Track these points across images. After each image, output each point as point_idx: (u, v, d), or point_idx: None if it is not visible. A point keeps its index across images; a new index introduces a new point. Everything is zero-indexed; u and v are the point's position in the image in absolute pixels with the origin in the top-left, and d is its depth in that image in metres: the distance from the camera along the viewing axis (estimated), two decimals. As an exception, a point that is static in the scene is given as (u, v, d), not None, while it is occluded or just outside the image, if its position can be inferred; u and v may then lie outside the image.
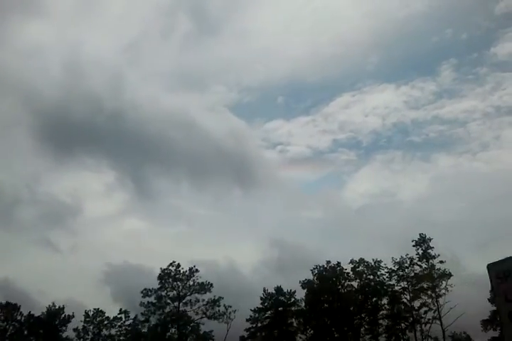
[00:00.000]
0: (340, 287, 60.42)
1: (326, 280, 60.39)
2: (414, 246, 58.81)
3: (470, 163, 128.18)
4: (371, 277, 60.17)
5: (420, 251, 58.69)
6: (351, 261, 60.66)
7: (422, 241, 59.01)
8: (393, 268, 59.31)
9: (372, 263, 60.53)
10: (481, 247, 79.52)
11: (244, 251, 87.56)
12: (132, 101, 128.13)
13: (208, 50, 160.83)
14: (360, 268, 60.60)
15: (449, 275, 56.34)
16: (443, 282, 56.52)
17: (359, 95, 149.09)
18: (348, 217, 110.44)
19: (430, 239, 58.95)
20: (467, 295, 55.28)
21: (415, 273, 58.44)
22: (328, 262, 61.50)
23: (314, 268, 61.65)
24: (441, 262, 57.54)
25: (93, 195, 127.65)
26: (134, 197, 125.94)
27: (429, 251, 58.47)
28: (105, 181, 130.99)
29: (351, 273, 60.61)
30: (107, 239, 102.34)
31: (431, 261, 57.99)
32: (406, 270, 58.85)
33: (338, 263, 61.31)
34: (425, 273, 57.53)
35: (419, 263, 58.45)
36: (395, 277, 59.11)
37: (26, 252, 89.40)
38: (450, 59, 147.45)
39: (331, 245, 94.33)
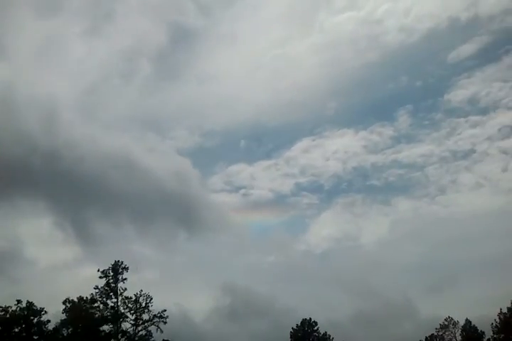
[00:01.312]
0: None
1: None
2: None
3: (429, 207, 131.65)
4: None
5: None
6: None
7: None
8: None
9: None
10: (437, 290, 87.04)
11: (195, 297, 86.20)
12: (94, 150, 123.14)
13: (169, 93, 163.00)
14: None
15: None
16: None
17: (319, 140, 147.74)
18: (306, 261, 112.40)
19: None
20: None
21: None
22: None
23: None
24: None
25: (31, 241, 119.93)
26: (74, 242, 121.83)
27: None
28: (43, 225, 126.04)
29: None
30: (48, 287, 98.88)
31: None
32: None
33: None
34: None
35: None
36: None
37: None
38: (406, 105, 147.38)
39: (285, 290, 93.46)
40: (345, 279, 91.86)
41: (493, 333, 63.63)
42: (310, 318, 65.16)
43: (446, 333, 65.94)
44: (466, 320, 65.63)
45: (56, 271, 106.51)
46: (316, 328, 64.96)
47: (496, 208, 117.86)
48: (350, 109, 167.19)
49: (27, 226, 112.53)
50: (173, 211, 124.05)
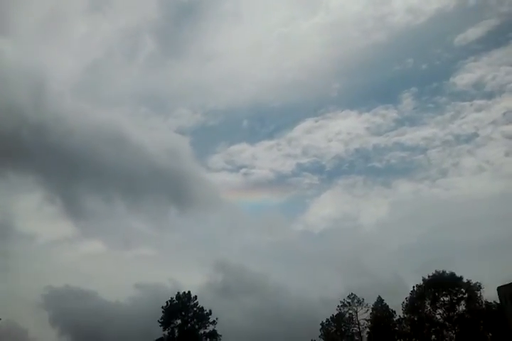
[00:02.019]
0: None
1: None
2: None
3: (429, 190, 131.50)
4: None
5: None
6: None
7: None
8: None
9: None
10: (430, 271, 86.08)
11: (189, 273, 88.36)
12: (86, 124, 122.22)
13: (173, 72, 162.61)
14: None
15: None
16: None
17: (322, 121, 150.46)
18: (303, 241, 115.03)
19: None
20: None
21: None
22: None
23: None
24: None
25: (22, 214, 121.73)
26: (66, 217, 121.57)
27: None
28: (34, 199, 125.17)
29: None
30: (43, 261, 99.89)
31: None
32: None
33: None
34: None
35: None
36: None
37: None
38: (411, 88, 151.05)
39: (279, 269, 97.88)
40: (341, 259, 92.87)
41: (404, 313, 64.27)
42: (188, 291, 62.23)
43: (350, 311, 65.49)
44: (378, 298, 66.08)
45: (49, 245, 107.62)
46: (195, 302, 62.07)
47: (497, 192, 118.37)
48: (354, 91, 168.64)
49: (17, 201, 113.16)
50: (166, 188, 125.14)
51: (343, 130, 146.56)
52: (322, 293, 78.07)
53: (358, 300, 65.31)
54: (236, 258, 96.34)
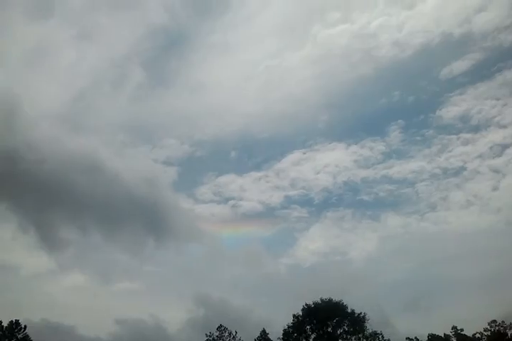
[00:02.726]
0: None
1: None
2: None
3: (418, 223, 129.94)
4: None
5: None
6: None
7: None
8: None
9: None
10: (418, 308, 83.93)
11: (170, 307, 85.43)
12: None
13: (160, 102, 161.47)
14: None
15: None
16: None
17: (310, 153, 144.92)
18: (288, 274, 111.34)
19: None
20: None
21: None
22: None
23: None
24: None
25: None
26: (41, 247, 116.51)
27: None
28: (7, 229, 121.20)
29: None
30: (19, 294, 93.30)
31: None
32: None
33: None
34: None
35: None
36: None
37: None
38: (398, 120, 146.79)
39: (262, 303, 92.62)
40: (327, 293, 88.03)
41: None
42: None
43: None
44: (262, 331, 62.37)
45: (26, 278, 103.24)
46: None
47: (485, 227, 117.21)
48: (342, 123, 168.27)
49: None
50: (143, 219, 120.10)
51: (331, 162, 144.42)
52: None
53: (230, 333, 61.14)
54: (218, 292, 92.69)
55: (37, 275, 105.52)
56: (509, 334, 63.11)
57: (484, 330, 63.94)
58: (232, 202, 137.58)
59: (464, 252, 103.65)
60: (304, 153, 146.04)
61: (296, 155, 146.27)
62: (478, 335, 64.06)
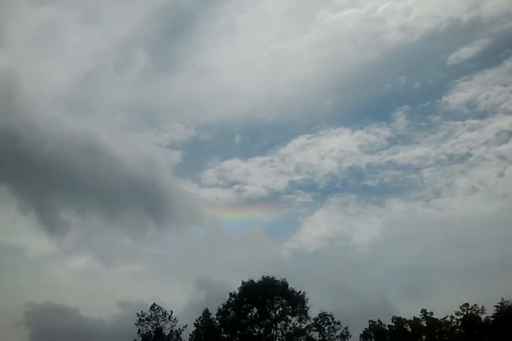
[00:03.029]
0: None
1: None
2: None
3: (423, 209, 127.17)
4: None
5: None
6: None
7: None
8: None
9: None
10: (421, 293, 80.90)
11: (172, 290, 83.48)
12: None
13: (165, 85, 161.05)
14: None
15: None
16: None
17: (315, 138, 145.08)
18: (290, 259, 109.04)
19: None
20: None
21: None
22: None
23: None
24: None
25: None
26: (41, 229, 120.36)
27: None
28: (7, 211, 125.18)
29: None
30: (23, 276, 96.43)
31: None
32: None
33: None
34: None
35: None
36: None
37: None
38: (404, 106, 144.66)
39: None
40: (330, 279, 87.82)
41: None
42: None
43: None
44: (205, 310, 59.17)
45: (30, 260, 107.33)
46: None
47: (490, 213, 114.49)
48: (347, 108, 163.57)
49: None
50: (145, 202, 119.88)
51: (336, 147, 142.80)
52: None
53: (165, 313, 57.89)
54: (220, 275, 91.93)
55: (39, 257, 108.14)
56: (482, 319, 58.04)
57: (456, 314, 59.11)
58: (236, 186, 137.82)
59: (469, 238, 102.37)
60: (309, 138, 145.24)
61: (301, 140, 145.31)
62: (448, 319, 59.31)
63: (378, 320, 60.75)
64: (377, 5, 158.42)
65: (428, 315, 59.58)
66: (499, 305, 56.65)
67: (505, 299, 56.28)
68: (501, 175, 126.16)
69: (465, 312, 58.38)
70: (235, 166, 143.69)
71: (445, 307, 69.50)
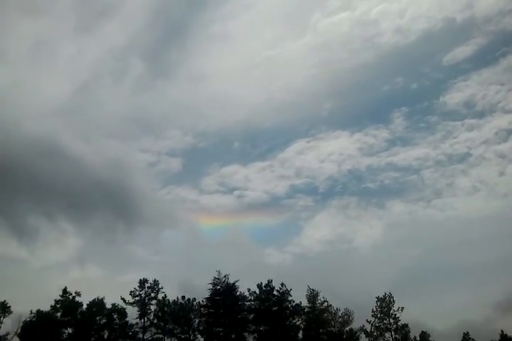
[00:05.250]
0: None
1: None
2: None
3: (424, 210, 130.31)
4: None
5: None
6: None
7: None
8: None
9: None
10: (424, 295, 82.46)
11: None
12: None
13: (162, 93, 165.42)
14: None
15: None
16: None
17: (314, 141, 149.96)
18: (292, 263, 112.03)
19: None
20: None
21: None
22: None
23: None
24: None
25: None
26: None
27: None
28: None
29: None
30: None
31: None
32: None
33: None
34: None
35: None
36: None
37: None
38: (401, 107, 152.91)
39: None
40: (332, 281, 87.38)
41: None
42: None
43: None
44: None
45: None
46: None
47: (492, 212, 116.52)
48: (345, 111, 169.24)
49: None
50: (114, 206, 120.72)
51: (335, 151, 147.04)
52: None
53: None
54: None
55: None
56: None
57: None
58: (237, 192, 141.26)
59: (471, 238, 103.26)
60: (308, 142, 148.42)
61: (300, 144, 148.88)
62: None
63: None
64: (371, 7, 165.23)
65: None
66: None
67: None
68: (502, 173, 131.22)
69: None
70: (235, 172, 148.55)
71: (447, 307, 72.72)
